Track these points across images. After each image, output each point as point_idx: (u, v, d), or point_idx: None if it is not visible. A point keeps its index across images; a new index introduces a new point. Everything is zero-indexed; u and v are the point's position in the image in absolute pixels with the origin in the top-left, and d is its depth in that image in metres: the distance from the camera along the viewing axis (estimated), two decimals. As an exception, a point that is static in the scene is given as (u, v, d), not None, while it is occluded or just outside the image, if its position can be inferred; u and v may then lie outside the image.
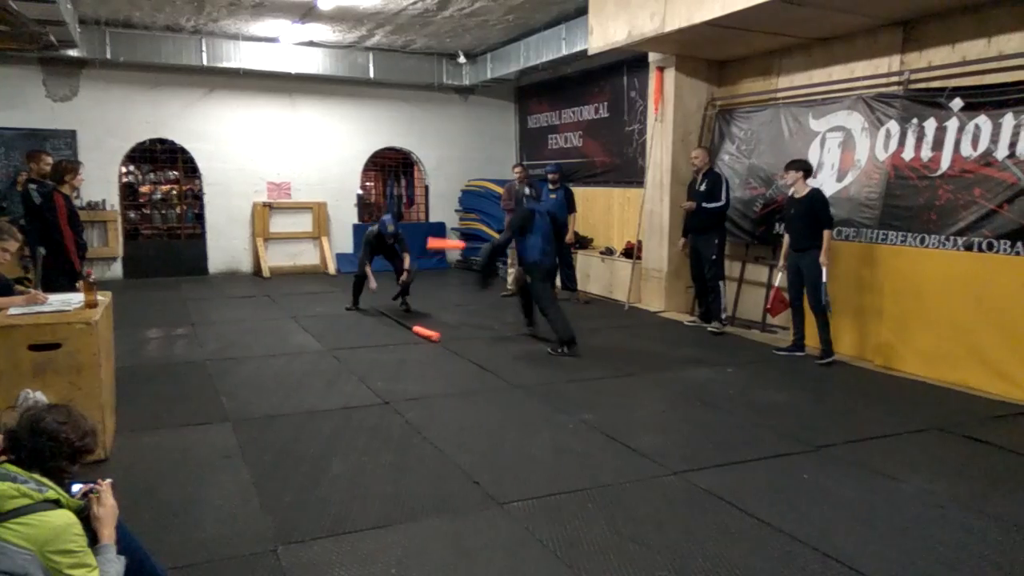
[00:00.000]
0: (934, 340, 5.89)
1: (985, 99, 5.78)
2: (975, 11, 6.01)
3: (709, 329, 7.66)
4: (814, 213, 6.31)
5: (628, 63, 10.17)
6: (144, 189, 12.38)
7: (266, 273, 11.97)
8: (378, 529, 3.29)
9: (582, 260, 10.44)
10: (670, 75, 8.66)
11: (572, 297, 9.53)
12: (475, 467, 4.02)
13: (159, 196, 12.39)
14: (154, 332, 7.68)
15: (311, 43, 11.41)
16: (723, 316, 7.70)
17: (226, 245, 12.32)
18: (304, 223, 12.71)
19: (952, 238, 5.95)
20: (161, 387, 5.56)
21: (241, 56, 11.17)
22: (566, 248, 9.47)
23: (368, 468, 4.00)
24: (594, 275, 10.31)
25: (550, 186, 9.36)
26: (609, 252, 10.28)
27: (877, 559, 3.05)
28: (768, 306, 6.97)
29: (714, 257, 7.56)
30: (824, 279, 6.27)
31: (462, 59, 12.32)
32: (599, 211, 11.18)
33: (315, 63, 11.69)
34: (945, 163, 6.05)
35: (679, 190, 8.77)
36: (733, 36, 7.39)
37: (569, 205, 9.37)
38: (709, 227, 7.56)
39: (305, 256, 12.75)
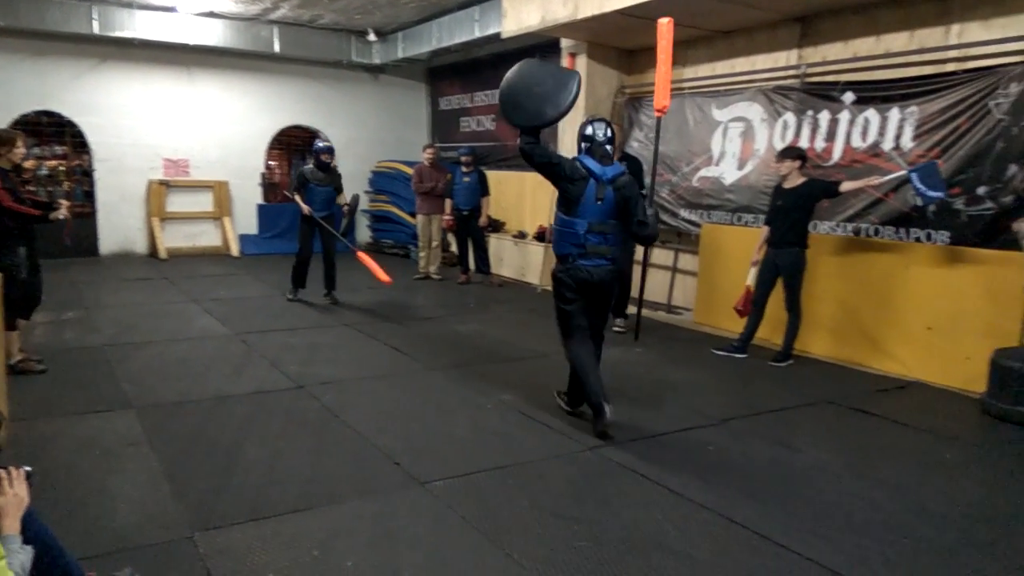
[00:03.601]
0: (828, 321, 6.28)
1: (874, 94, 6.19)
2: (866, 11, 6.41)
3: (614, 329, 6.94)
4: (807, 206, 5.85)
5: (541, 48, 10.23)
6: (28, 164, 11.49)
7: (163, 255, 11.43)
8: (298, 513, 3.25)
9: (495, 243, 10.52)
10: (582, 62, 8.80)
11: (485, 280, 9.59)
12: (395, 448, 4.02)
13: (45, 172, 11.57)
14: (42, 317, 7.19)
15: (211, 14, 10.89)
16: (626, 314, 7.17)
17: (119, 225, 11.67)
18: (204, 202, 12.19)
19: (842, 224, 6.36)
20: (55, 374, 5.24)
21: (136, 25, 10.53)
22: (479, 231, 9.53)
23: (285, 452, 3.93)
24: (507, 258, 10.42)
25: (463, 169, 9.35)
26: (522, 236, 10.40)
27: (777, 523, 3.27)
28: (739, 306, 6.22)
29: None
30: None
31: (372, 37, 12.07)
32: (512, 195, 11.25)
33: (215, 35, 11.17)
34: (837, 153, 6.45)
35: (590, 175, 8.95)
36: (642, 26, 7.57)
37: (483, 188, 9.40)
38: None
39: (205, 237, 12.24)
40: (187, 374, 5.36)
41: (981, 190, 5.48)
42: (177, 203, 11.98)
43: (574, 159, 4.35)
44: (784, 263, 5.92)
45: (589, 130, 4.38)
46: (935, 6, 5.94)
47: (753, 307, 6.14)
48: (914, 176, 5.34)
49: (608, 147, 4.36)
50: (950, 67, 5.81)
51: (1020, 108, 5.25)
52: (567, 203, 4.37)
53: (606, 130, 4.39)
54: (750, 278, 6.18)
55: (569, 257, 4.39)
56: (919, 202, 5.52)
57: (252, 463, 3.78)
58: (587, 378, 4.35)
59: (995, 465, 4.12)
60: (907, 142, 5.94)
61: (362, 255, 7.67)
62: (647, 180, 7.00)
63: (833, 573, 2.88)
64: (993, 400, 4.82)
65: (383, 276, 7.35)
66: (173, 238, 11.83)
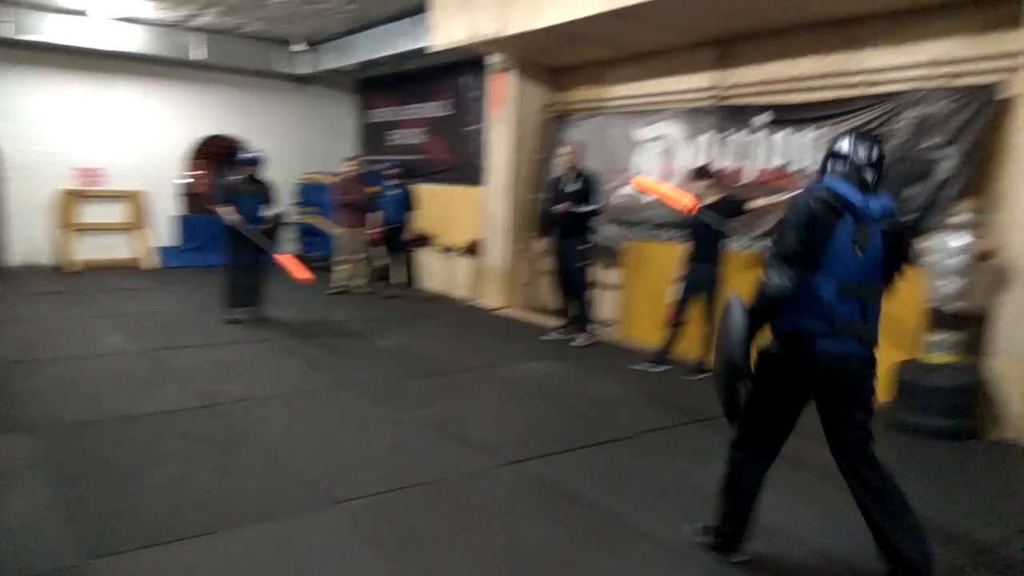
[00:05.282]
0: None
1: (785, 116, 6.44)
2: (779, 36, 6.66)
3: (573, 344, 7.09)
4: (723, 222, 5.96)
5: (470, 63, 10.27)
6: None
7: (74, 268, 10.92)
8: (202, 536, 3.13)
9: (422, 257, 10.44)
10: (510, 78, 8.87)
11: (412, 294, 9.51)
12: (308, 468, 3.92)
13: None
14: (-65, 332, 6.79)
15: (130, 19, 10.53)
16: (590, 329, 7.22)
17: (29, 235, 11.07)
18: (119, 213, 11.70)
19: (755, 240, 6.58)
20: (-57, 394, 4.94)
21: (48, 29, 10.08)
22: (406, 245, 9.46)
23: (190, 474, 3.79)
24: (434, 272, 10.36)
25: (390, 182, 9.28)
26: (449, 250, 10.37)
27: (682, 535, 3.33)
28: (666, 322, 6.31)
29: (579, 266, 7.03)
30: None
31: (299, 47, 11.88)
32: (440, 209, 11.21)
33: (134, 41, 10.78)
34: (751, 173, 6.67)
35: (518, 190, 9.03)
36: (568, 44, 7.71)
37: (410, 202, 9.35)
38: (575, 232, 6.97)
39: (120, 249, 11.72)
40: (92, 393, 5.11)
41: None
42: (90, 214, 11.46)
43: (817, 187, 2.86)
44: (702, 277, 6.05)
45: (846, 146, 2.89)
46: (843, 33, 6.22)
47: (673, 322, 6.26)
48: None
49: (871, 174, 2.85)
50: (855, 92, 6.10)
51: (919, 132, 5.54)
52: (804, 248, 2.76)
53: (871, 151, 2.87)
54: (674, 293, 6.28)
55: (804, 337, 2.81)
56: None
57: (155, 485, 3.62)
58: (737, 503, 3.06)
59: (896, 475, 4.29)
60: (816, 164, 6.18)
61: (280, 257, 7.51)
62: (597, 196, 6.93)
63: (738, 583, 2.94)
64: (897, 411, 5.04)
65: (304, 274, 7.21)
66: (85, 250, 11.30)
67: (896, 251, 2.83)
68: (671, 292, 6.31)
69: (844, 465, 2.93)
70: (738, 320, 2.87)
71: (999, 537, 3.45)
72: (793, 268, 2.74)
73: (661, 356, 6.32)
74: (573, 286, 7.17)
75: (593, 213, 7.00)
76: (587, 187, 6.94)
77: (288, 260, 7.31)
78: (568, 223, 6.96)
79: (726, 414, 3.05)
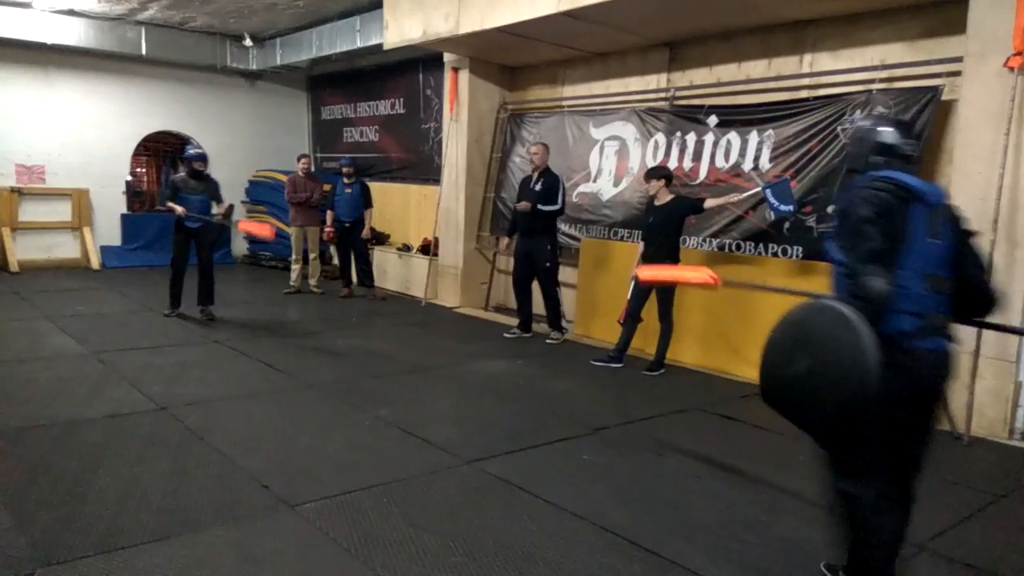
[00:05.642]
0: (696, 332, 6.59)
1: (735, 117, 6.58)
2: (728, 38, 6.81)
3: (547, 341, 7.22)
4: (676, 223, 6.12)
5: (424, 61, 10.24)
6: None
7: (14, 267, 10.53)
8: (155, 542, 3.06)
9: (379, 256, 10.37)
10: (464, 76, 8.86)
11: (368, 293, 9.44)
12: (264, 470, 3.87)
13: None
14: None
15: (71, 12, 10.19)
16: (563, 325, 7.34)
17: (-37, 235, 10.66)
18: (62, 212, 11.33)
19: (708, 239, 6.71)
20: None
21: (-17, 20, 9.71)
22: (362, 244, 9.38)
23: (142, 479, 3.69)
24: (391, 271, 10.29)
25: (345, 180, 9.18)
26: (406, 248, 10.31)
27: (646, 528, 3.38)
28: (621, 319, 6.41)
29: (548, 264, 7.09)
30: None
31: (248, 42, 11.66)
32: (396, 207, 11.16)
33: (76, 34, 10.44)
34: (703, 173, 6.80)
35: (474, 188, 9.03)
36: (522, 44, 7.73)
37: (365, 200, 9.25)
38: (541, 231, 7.06)
39: (63, 248, 11.37)
40: (35, 397, 4.94)
41: (830, 208, 5.92)
42: (31, 212, 11.08)
43: (873, 179, 2.58)
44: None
45: (890, 136, 2.72)
46: (790, 37, 6.39)
47: (628, 318, 6.35)
48: (768, 192, 5.76)
49: (916, 160, 2.80)
50: (803, 94, 6.27)
51: (862, 134, 5.71)
52: (881, 242, 2.45)
53: (910, 135, 2.80)
54: (630, 292, 6.36)
55: (902, 337, 2.49)
56: (771, 216, 5.94)
57: (105, 491, 3.53)
58: (888, 558, 2.66)
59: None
60: (765, 163, 6.34)
61: (242, 224, 7.86)
62: (559, 196, 6.96)
63: (693, 574, 3.00)
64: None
65: (267, 231, 7.51)
66: (26, 250, 10.92)
67: (963, 237, 2.64)
68: (630, 290, 6.38)
69: (896, 488, 2.63)
70: (868, 341, 2.26)
71: (931, 534, 3.57)
72: (884, 266, 2.42)
73: (619, 353, 6.41)
74: (542, 285, 7.24)
75: (557, 213, 7.07)
76: (550, 188, 7.00)
77: (249, 224, 7.41)
78: (534, 222, 7.02)
79: (842, 472, 2.63)
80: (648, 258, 6.19)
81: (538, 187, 7.03)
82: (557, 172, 7.28)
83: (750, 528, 3.44)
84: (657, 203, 6.22)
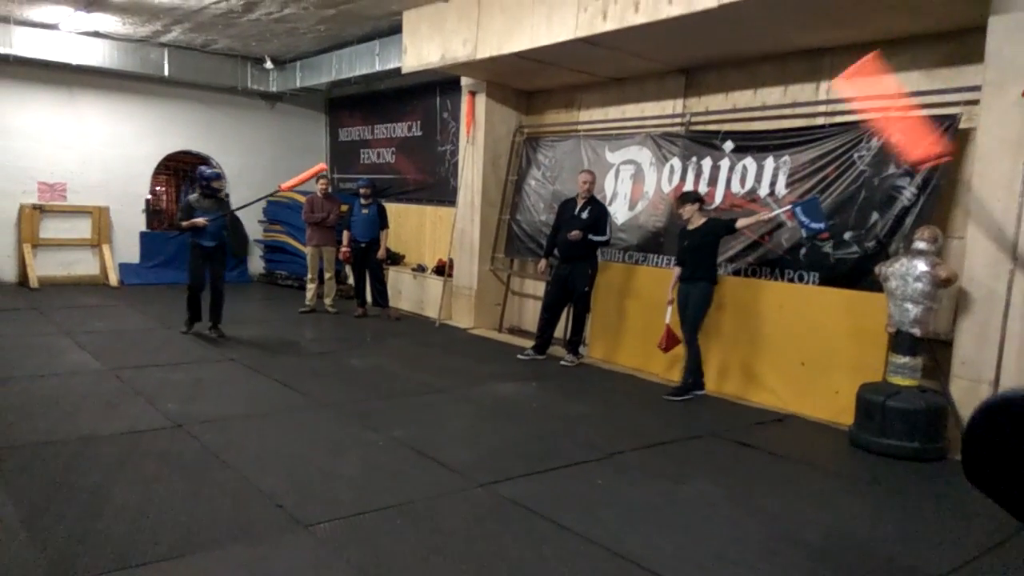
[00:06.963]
0: (714, 357, 6.55)
1: (751, 143, 6.60)
2: (744, 65, 6.85)
3: (562, 363, 7.25)
4: (711, 244, 6.18)
5: (441, 84, 10.35)
6: None
7: (34, 284, 10.66)
8: (169, 560, 3.07)
9: (394, 276, 10.43)
10: (481, 100, 8.95)
11: (383, 313, 9.47)
12: (279, 490, 3.87)
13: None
14: None
15: (96, 33, 10.40)
16: (581, 350, 7.40)
17: (-13, 251, 10.83)
18: (82, 229, 11.49)
19: (724, 264, 6.70)
20: None
21: (12, 41, 9.92)
22: (378, 264, 9.43)
23: (158, 496, 3.71)
24: (406, 292, 10.34)
25: (362, 201, 9.26)
26: (421, 269, 10.36)
27: (660, 554, 3.35)
28: (661, 344, 6.35)
29: (587, 289, 7.19)
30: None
31: (269, 64, 11.85)
32: (412, 228, 11.23)
33: (100, 55, 10.66)
34: (719, 198, 6.81)
35: (489, 211, 9.09)
36: (539, 69, 7.82)
37: (381, 221, 9.33)
38: (583, 256, 7.14)
39: (82, 265, 11.51)
40: (53, 413, 4.99)
41: (847, 235, 5.90)
42: (52, 229, 11.24)
43: None
44: (692, 293, 6.18)
45: None
46: (807, 64, 6.42)
47: (687, 343, 6.27)
48: (798, 210, 5.74)
49: None
50: (820, 121, 6.28)
51: (880, 160, 5.72)
52: None
53: None
54: (668, 316, 6.36)
55: None
56: (804, 234, 5.91)
57: (120, 508, 3.54)
58: None
59: (861, 493, 4.39)
60: (781, 189, 6.34)
61: (285, 185, 8.10)
62: (607, 227, 7.04)
63: (710, 603, 2.97)
64: (859, 431, 5.14)
65: (309, 173, 8.00)
66: (46, 266, 11.07)
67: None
68: (667, 314, 6.36)
69: None
70: None
71: (948, 568, 3.51)
72: None
73: (695, 378, 6.27)
74: (576, 308, 7.34)
75: (604, 244, 7.20)
76: (598, 217, 7.09)
77: (291, 181, 7.93)
78: (577, 249, 7.09)
79: None
80: (685, 279, 6.25)
81: (584, 214, 7.09)
82: (572, 196, 7.35)
83: (765, 558, 3.40)
84: (691, 227, 6.26)
